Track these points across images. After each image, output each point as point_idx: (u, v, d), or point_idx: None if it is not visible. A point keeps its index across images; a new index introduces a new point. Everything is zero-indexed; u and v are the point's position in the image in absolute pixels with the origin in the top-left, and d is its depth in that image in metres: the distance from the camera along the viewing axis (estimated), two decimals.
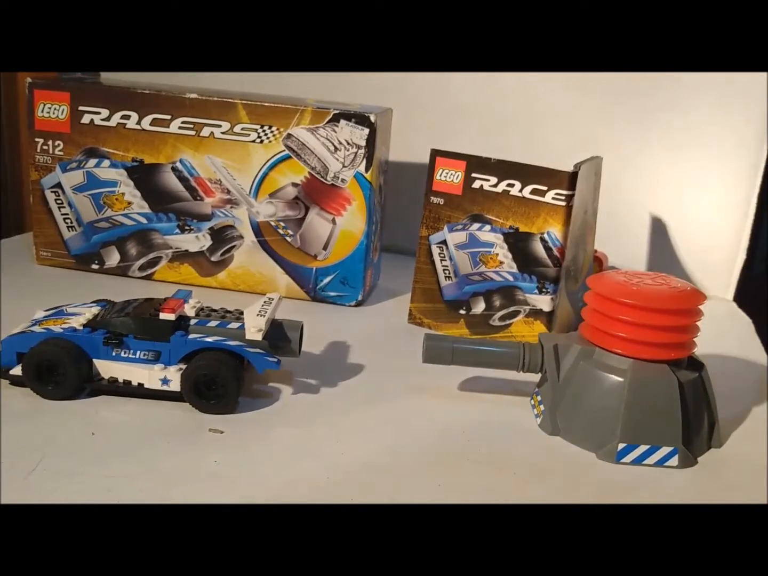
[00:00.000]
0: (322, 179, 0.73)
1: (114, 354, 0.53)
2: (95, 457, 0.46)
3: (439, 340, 0.57)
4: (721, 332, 0.79)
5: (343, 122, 0.71)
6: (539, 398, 0.57)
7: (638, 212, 0.93)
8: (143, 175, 0.75)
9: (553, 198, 0.65)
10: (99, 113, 0.74)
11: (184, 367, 0.52)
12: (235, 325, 0.54)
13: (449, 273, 0.71)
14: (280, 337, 0.55)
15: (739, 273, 0.92)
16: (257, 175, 0.74)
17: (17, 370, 0.52)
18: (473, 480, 0.47)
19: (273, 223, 0.75)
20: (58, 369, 0.51)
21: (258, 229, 0.75)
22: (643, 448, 0.51)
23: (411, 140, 0.92)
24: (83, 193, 0.76)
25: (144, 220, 0.76)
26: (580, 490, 0.47)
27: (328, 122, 0.71)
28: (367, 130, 0.71)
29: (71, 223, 0.77)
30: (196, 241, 0.76)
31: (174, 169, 0.75)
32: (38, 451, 0.45)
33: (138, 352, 0.53)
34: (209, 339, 0.53)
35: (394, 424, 0.54)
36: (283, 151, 0.73)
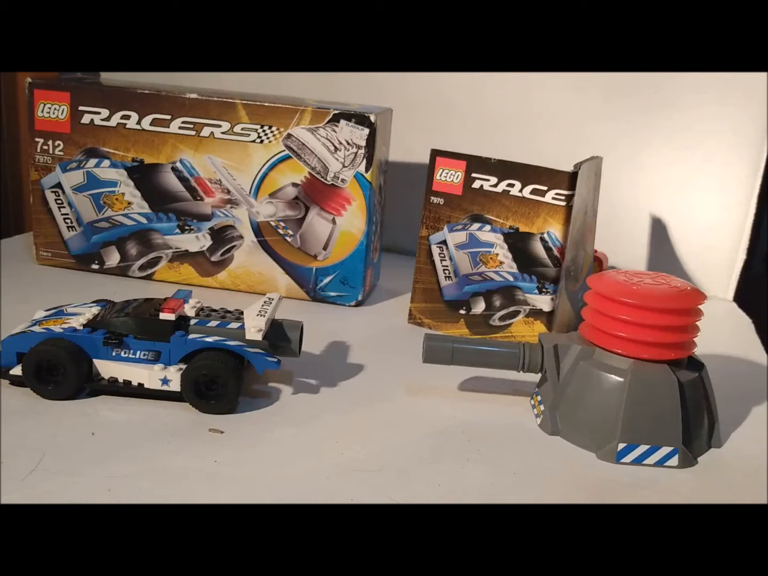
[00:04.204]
0: (322, 179, 0.73)
1: (114, 354, 0.53)
2: (95, 457, 0.46)
3: (439, 340, 0.57)
4: (721, 332, 0.79)
5: (343, 122, 0.71)
6: (539, 398, 0.57)
7: (638, 212, 0.93)
8: (143, 175, 0.75)
9: (553, 198, 0.65)
10: (99, 113, 0.74)
11: (184, 367, 0.52)
12: (235, 325, 0.54)
13: (449, 273, 0.71)
14: (280, 337, 0.55)
15: (739, 273, 0.92)
16: (257, 175, 0.74)
17: (17, 370, 0.53)
18: (473, 480, 0.47)
19: (273, 223, 0.75)
20: (58, 369, 0.51)
21: (258, 229, 0.75)
22: (643, 448, 0.51)
23: (411, 140, 0.92)
24: (83, 193, 0.76)
25: (144, 220, 0.76)
26: (580, 490, 0.47)
27: (328, 122, 0.71)
28: (367, 130, 0.71)
29: (71, 223, 0.77)
30: (196, 241, 0.76)
31: (174, 169, 0.75)
32: (38, 451, 0.46)
33: (138, 352, 0.53)
34: (209, 339, 0.53)
35: (394, 424, 0.54)
36: (283, 151, 0.73)
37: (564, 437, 0.54)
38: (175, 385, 0.52)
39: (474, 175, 0.69)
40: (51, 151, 0.76)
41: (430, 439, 0.52)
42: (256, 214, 0.75)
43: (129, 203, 0.75)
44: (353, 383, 0.60)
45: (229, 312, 0.57)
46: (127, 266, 0.78)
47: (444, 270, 0.71)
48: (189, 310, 0.55)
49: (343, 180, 0.73)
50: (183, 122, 0.73)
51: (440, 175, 0.70)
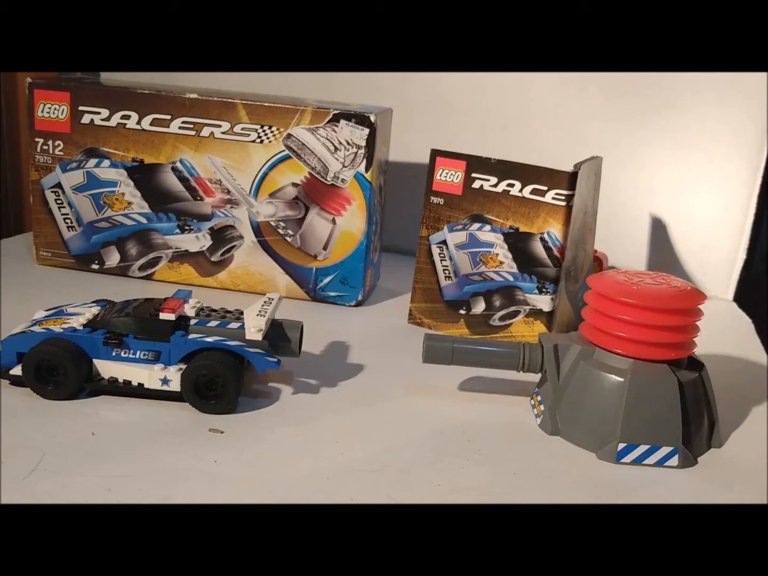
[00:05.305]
0: (322, 179, 0.73)
1: (114, 354, 0.53)
2: (95, 457, 0.46)
3: (439, 340, 0.57)
4: (721, 332, 0.79)
5: (343, 122, 0.71)
6: (539, 398, 0.57)
7: (638, 212, 0.93)
8: (143, 175, 0.75)
9: (553, 198, 0.65)
10: (99, 113, 0.74)
11: (184, 367, 0.52)
12: (235, 325, 0.54)
13: (449, 273, 0.71)
14: (280, 337, 0.55)
15: (739, 273, 0.92)
16: (257, 175, 0.74)
17: (17, 370, 0.53)
18: (473, 480, 0.47)
19: (273, 223, 0.75)
20: (58, 369, 0.51)
21: (258, 229, 0.75)
22: (643, 448, 0.51)
23: (411, 140, 0.92)
24: (83, 193, 0.76)
25: (144, 220, 0.76)
26: (580, 490, 0.47)
27: (328, 122, 0.71)
28: (367, 130, 0.71)
29: (71, 223, 0.77)
30: (196, 241, 0.76)
31: (174, 169, 0.75)
32: (38, 451, 0.45)
33: (138, 352, 0.53)
34: (209, 339, 0.53)
35: (394, 424, 0.54)
36: (283, 151, 0.73)
37: (564, 437, 0.54)
38: (175, 385, 0.52)
39: (474, 175, 0.69)
40: (51, 151, 0.76)
41: (430, 439, 0.52)
42: (256, 214, 0.75)
43: (129, 203, 0.75)
44: (353, 383, 0.60)
45: (229, 312, 0.57)
46: (127, 266, 0.78)
47: (444, 270, 0.71)
48: (189, 310, 0.55)
49: (343, 180, 0.73)
50: (183, 122, 0.73)
51: (440, 175, 0.70)
